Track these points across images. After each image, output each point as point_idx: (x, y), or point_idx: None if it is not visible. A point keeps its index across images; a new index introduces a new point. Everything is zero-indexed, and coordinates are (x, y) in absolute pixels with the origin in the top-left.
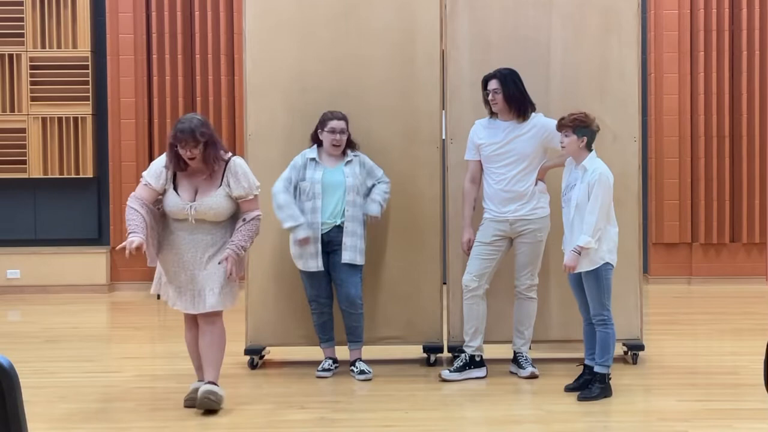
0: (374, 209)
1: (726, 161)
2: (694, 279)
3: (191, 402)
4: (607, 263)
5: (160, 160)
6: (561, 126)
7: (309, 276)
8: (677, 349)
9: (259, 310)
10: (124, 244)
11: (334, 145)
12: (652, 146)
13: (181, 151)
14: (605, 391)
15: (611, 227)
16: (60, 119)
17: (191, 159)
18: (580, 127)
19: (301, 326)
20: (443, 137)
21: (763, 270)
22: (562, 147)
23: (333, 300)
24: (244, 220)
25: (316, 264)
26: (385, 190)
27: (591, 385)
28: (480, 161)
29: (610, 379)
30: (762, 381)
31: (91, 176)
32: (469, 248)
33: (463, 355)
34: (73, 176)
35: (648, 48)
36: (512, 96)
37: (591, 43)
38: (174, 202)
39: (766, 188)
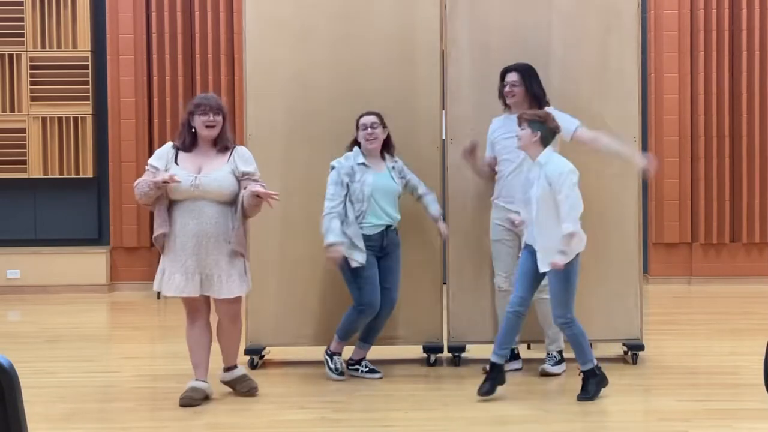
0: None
1: (726, 161)
2: (694, 279)
3: (188, 401)
4: (577, 255)
5: (164, 147)
6: (519, 119)
7: (364, 280)
8: (677, 349)
9: (259, 310)
10: (160, 178)
11: (367, 140)
12: (652, 146)
13: (202, 118)
14: (601, 383)
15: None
16: (60, 119)
17: (210, 126)
18: (535, 122)
19: (301, 326)
20: (443, 137)
21: (763, 270)
22: (518, 139)
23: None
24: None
25: (363, 259)
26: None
27: (586, 385)
28: (495, 157)
29: (599, 368)
30: (762, 381)
31: (91, 176)
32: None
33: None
34: (73, 176)
35: (648, 48)
36: (535, 93)
37: (591, 43)
38: (178, 175)
39: (766, 188)
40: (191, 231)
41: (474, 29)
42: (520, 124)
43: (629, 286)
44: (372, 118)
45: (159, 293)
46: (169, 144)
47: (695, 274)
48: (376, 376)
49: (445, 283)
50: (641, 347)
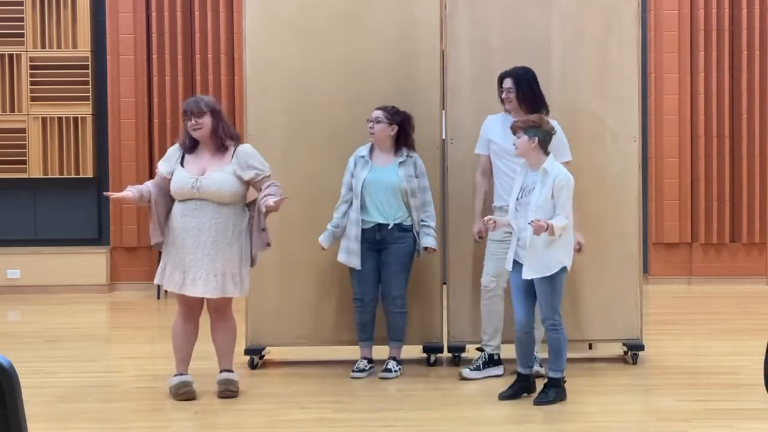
0: (430, 242)
1: (726, 161)
2: (694, 279)
3: (190, 395)
4: (564, 267)
5: (172, 147)
6: (514, 128)
7: (357, 274)
8: (677, 349)
9: (259, 310)
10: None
11: (370, 134)
12: (652, 146)
13: (189, 123)
14: (560, 395)
15: (570, 232)
16: (60, 119)
17: (197, 129)
18: (531, 128)
19: (301, 326)
20: (443, 137)
21: (763, 270)
22: (515, 148)
23: (377, 299)
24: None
25: (356, 262)
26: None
27: (547, 390)
28: (490, 156)
29: (564, 382)
30: (762, 381)
31: (91, 176)
32: (480, 237)
33: (482, 354)
34: (73, 176)
35: (648, 48)
36: (525, 97)
37: (591, 43)
38: (180, 177)
39: (766, 188)
40: (191, 230)
41: (474, 29)
42: (515, 133)
43: (629, 286)
44: (376, 113)
45: (159, 292)
46: (177, 145)
47: (695, 274)
48: (383, 375)
49: (445, 283)
50: (641, 347)
